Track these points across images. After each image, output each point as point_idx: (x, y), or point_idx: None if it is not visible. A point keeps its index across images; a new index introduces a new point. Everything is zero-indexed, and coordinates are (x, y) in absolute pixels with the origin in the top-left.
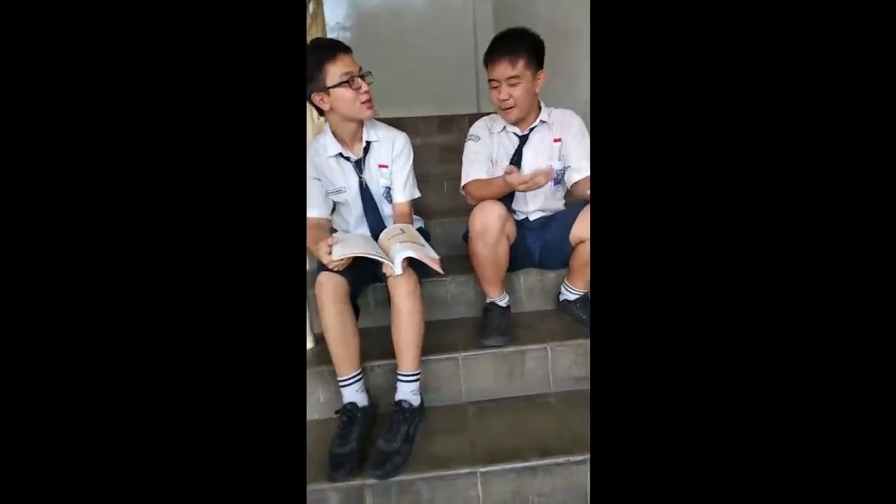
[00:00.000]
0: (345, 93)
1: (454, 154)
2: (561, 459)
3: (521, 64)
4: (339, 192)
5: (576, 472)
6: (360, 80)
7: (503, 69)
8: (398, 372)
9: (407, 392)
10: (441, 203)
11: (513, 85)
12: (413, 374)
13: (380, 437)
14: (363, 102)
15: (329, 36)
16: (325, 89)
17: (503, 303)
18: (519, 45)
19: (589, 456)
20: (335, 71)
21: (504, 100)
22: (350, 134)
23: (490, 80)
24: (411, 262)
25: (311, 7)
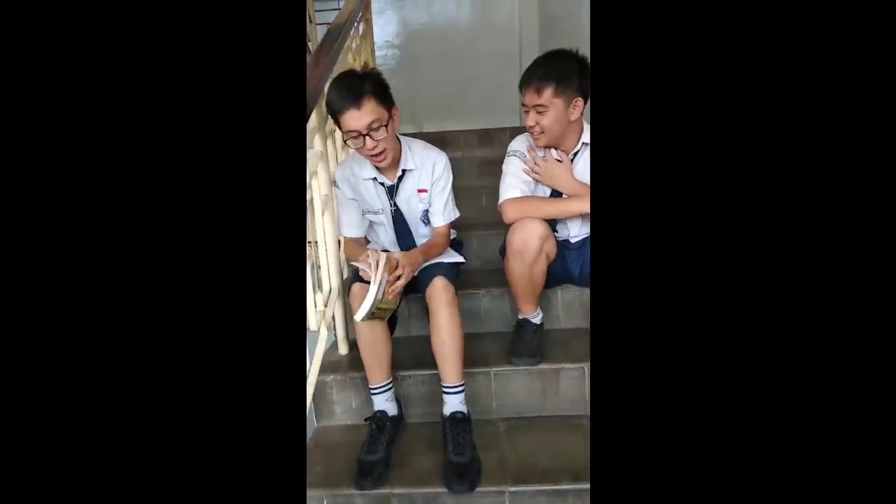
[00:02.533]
0: (354, 145)
1: (494, 167)
2: None
3: (547, 93)
4: (376, 213)
5: None
6: (364, 138)
7: (530, 97)
8: (443, 385)
9: (456, 403)
10: (478, 216)
11: (540, 113)
12: (459, 385)
13: (448, 451)
14: (372, 156)
15: (378, 53)
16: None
17: (537, 320)
18: (548, 73)
19: None
20: (344, 125)
21: (531, 126)
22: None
23: (522, 105)
24: (447, 273)
25: (360, 27)
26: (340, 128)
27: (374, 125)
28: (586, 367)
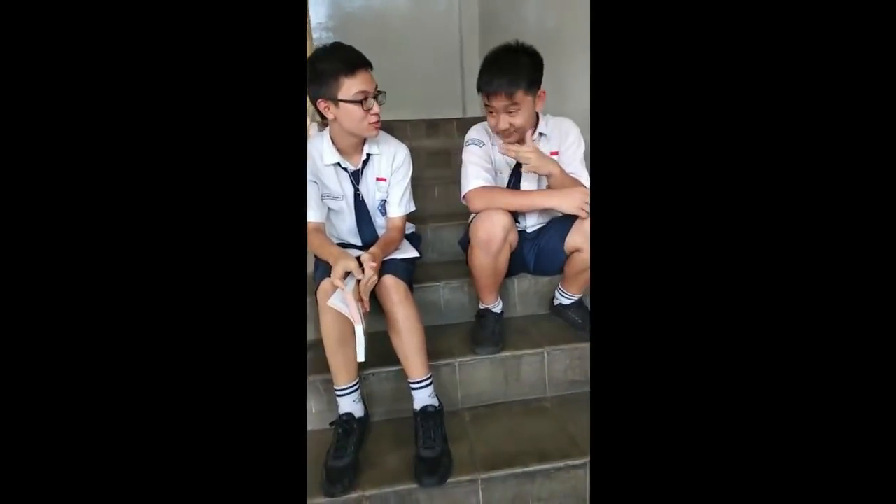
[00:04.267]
0: (355, 110)
1: (443, 158)
2: (560, 464)
3: (519, 93)
4: (335, 198)
5: (574, 476)
6: (373, 100)
7: (499, 100)
8: (410, 381)
9: (425, 397)
10: (431, 207)
11: (511, 112)
12: (425, 379)
13: (418, 446)
14: (371, 123)
15: (313, 35)
16: (335, 100)
17: (497, 309)
18: (515, 74)
19: (586, 460)
20: (351, 86)
21: (504, 129)
22: (351, 145)
23: (486, 106)
24: (397, 270)
25: None
26: (338, 90)
27: (378, 91)
28: (545, 351)
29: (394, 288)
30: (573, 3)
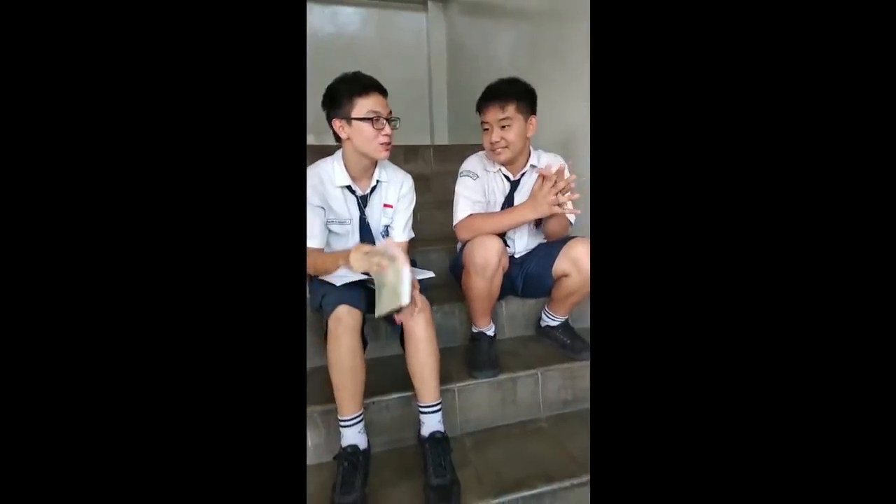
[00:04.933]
0: (367, 128)
1: (423, 183)
2: (566, 483)
3: (511, 107)
4: (342, 222)
5: (579, 493)
6: (385, 121)
7: (493, 113)
8: (420, 404)
9: (434, 423)
10: (417, 231)
11: (504, 127)
12: (437, 404)
13: (428, 475)
14: (382, 143)
15: None
16: (349, 119)
17: (490, 332)
18: (508, 91)
19: (588, 478)
20: (364, 105)
21: (496, 142)
22: (362, 169)
23: (482, 123)
24: (423, 290)
25: None
26: (351, 109)
27: (393, 117)
28: (539, 372)
29: (424, 307)
30: (542, 35)
